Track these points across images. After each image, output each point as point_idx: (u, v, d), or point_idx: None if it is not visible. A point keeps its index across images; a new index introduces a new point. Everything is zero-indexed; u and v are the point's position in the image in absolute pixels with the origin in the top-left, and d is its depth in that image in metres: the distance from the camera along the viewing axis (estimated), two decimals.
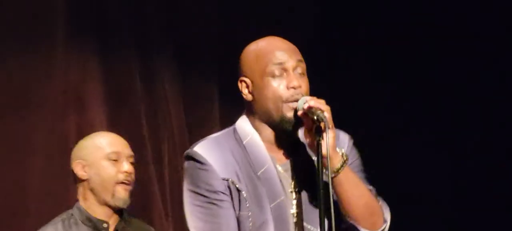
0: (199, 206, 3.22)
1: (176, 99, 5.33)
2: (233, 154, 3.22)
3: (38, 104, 5.23)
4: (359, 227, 3.22)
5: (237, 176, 3.20)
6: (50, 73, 5.23)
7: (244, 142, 3.23)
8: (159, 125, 4.96)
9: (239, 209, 3.19)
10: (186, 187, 3.23)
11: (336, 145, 3.16)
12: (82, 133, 4.97)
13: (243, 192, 3.17)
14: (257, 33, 3.39)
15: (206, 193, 3.19)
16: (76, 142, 4.71)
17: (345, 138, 3.33)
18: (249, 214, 3.18)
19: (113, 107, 5.34)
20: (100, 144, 4.37)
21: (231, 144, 3.24)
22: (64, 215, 4.39)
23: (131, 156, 4.29)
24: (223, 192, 3.19)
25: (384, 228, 3.28)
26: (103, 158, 4.32)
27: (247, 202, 3.20)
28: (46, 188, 5.16)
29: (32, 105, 5.21)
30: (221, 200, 3.19)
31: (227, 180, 3.18)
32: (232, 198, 3.19)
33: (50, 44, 5.30)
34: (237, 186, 3.17)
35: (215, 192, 3.19)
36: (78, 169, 4.22)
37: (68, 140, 5.12)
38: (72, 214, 4.35)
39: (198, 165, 3.19)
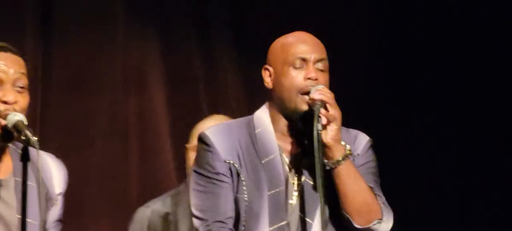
0: (201, 185, 3.46)
1: (236, 82, 5.49)
2: (240, 141, 3.45)
3: (101, 87, 5.45)
4: (353, 222, 3.36)
5: (240, 161, 3.43)
6: (110, 56, 5.46)
7: (256, 131, 3.46)
8: (217, 107, 5.08)
9: (237, 192, 3.41)
10: (193, 167, 3.51)
11: (352, 145, 3.39)
12: (143, 114, 5.39)
13: (242, 176, 3.40)
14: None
15: (208, 174, 3.43)
16: (136, 123, 5.29)
17: (363, 139, 3.50)
18: (246, 197, 3.39)
19: (172, 89, 5.56)
20: None
21: (241, 132, 3.48)
22: (172, 192, 4.63)
23: None
24: (224, 173, 3.41)
25: (377, 223, 3.41)
26: None
27: (245, 186, 3.41)
28: (107, 168, 5.39)
29: (94, 88, 5.44)
30: (221, 181, 3.41)
31: (229, 163, 3.40)
32: (232, 181, 3.43)
33: (110, 27, 5.53)
34: (238, 170, 3.41)
35: (216, 173, 3.41)
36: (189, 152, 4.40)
37: (128, 121, 5.41)
38: (180, 191, 4.56)
39: (205, 146, 3.44)
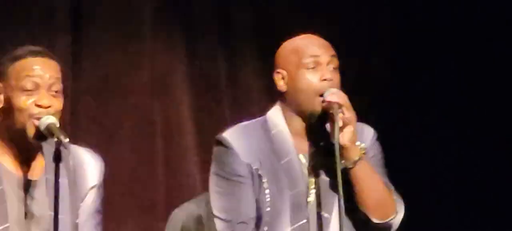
0: (222, 187, 3.60)
1: (259, 87, 5.62)
2: (259, 142, 3.58)
3: (129, 90, 5.63)
4: (370, 217, 3.53)
5: (260, 163, 3.55)
6: (139, 61, 5.62)
7: (272, 132, 3.59)
8: (240, 111, 5.25)
9: (259, 193, 3.54)
10: (212, 170, 3.62)
11: (359, 138, 3.51)
12: (168, 117, 5.55)
13: (264, 178, 3.54)
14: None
15: (229, 176, 3.56)
16: (162, 125, 5.49)
17: (369, 133, 3.67)
18: (268, 199, 3.54)
19: (197, 93, 5.70)
20: None
21: (258, 133, 3.61)
22: (207, 194, 4.82)
23: None
24: (245, 175, 3.54)
25: (393, 217, 3.59)
26: None
27: (267, 188, 3.55)
28: (133, 170, 5.54)
29: (123, 92, 5.61)
30: (242, 183, 3.54)
31: (249, 165, 3.53)
32: (253, 183, 3.56)
33: (138, 33, 5.69)
34: (259, 172, 3.54)
35: (237, 175, 3.54)
36: None
37: (154, 124, 5.57)
38: None
39: (224, 149, 3.56)
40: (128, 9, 5.74)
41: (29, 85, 3.33)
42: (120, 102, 5.56)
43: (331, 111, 3.46)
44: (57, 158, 3.21)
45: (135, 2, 5.80)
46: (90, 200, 3.57)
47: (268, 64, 4.57)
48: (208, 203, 4.42)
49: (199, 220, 4.55)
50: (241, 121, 4.30)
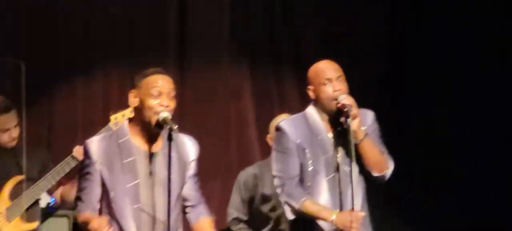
0: (278, 157, 4.30)
1: (296, 97, 6.40)
2: (302, 127, 4.30)
3: (211, 98, 6.50)
4: (372, 172, 4.28)
5: (303, 140, 4.27)
6: (218, 76, 6.52)
7: (309, 121, 4.30)
8: (286, 111, 5.58)
9: (303, 160, 4.25)
10: (273, 147, 4.38)
11: (362, 121, 4.24)
12: (239, 117, 6.46)
13: (306, 150, 4.26)
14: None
15: (283, 150, 4.28)
16: (235, 123, 6.30)
17: (370, 114, 4.40)
18: (309, 163, 4.24)
19: (257, 101, 6.60)
20: None
21: (301, 122, 4.32)
22: (261, 162, 5.52)
23: None
24: (293, 149, 4.25)
25: (386, 171, 4.30)
26: None
27: (309, 157, 4.26)
28: (218, 149, 6.32)
29: (209, 99, 6.48)
30: (292, 154, 4.26)
31: (295, 142, 4.26)
32: (298, 154, 4.24)
33: (221, 55, 6.55)
34: (302, 146, 4.26)
35: (288, 148, 4.25)
36: (268, 139, 5.21)
37: (229, 123, 6.49)
38: (265, 162, 5.13)
39: (280, 133, 4.31)
40: (215, 40, 6.48)
41: (155, 93, 3.73)
42: (208, 105, 6.37)
43: (345, 109, 4.11)
44: (169, 138, 3.65)
45: (215, 30, 6.50)
46: (192, 168, 3.99)
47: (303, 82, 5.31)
48: (264, 166, 5.25)
49: (254, 176, 5.45)
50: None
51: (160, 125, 3.70)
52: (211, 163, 6.04)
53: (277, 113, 5.47)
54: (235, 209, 5.41)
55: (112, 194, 3.73)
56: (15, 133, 5.09)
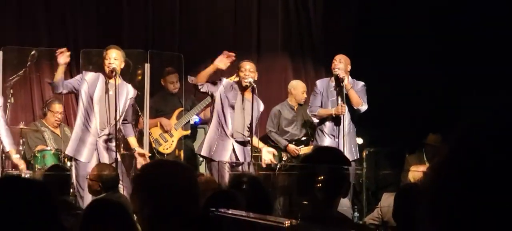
0: (311, 98, 9.16)
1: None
2: (324, 82, 8.93)
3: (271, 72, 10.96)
4: (353, 106, 8.71)
5: (322, 88, 8.84)
6: (275, 61, 10.94)
7: (328, 80, 8.99)
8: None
9: (322, 98, 8.88)
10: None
11: (354, 87, 8.73)
12: (285, 85, 10.51)
13: (324, 93, 8.81)
14: None
15: (315, 93, 9.06)
16: (284, 88, 10.49)
17: (360, 83, 8.82)
18: (323, 99, 8.87)
19: (295, 75, 10.96)
20: None
21: (325, 81, 8.97)
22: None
23: None
24: (319, 93, 8.88)
25: (360, 108, 8.68)
26: None
27: (323, 94, 8.84)
28: (271, 106, 10.17)
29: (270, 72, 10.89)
30: (318, 94, 8.96)
31: (319, 89, 8.93)
32: (322, 96, 8.82)
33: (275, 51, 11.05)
34: (321, 90, 8.85)
35: (318, 93, 8.94)
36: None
37: (280, 87, 10.83)
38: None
39: (315, 86, 9.17)
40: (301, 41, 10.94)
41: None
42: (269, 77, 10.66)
43: (341, 77, 8.50)
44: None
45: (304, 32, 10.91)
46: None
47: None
48: (283, 105, 9.55)
49: (279, 111, 9.74)
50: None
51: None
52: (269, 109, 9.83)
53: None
54: (269, 126, 9.70)
55: None
56: (177, 84, 9.78)
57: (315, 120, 8.87)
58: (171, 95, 9.80)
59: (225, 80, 8.38)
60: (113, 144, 7.89)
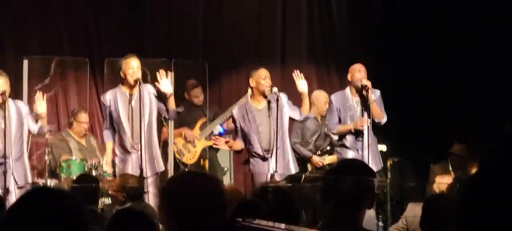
0: (328, 109, 9.15)
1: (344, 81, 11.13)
2: (339, 95, 8.74)
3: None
4: (374, 119, 8.47)
5: (340, 102, 8.65)
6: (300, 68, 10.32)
7: (345, 92, 8.73)
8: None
9: (339, 113, 8.75)
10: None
11: (374, 94, 8.52)
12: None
13: (340, 107, 8.61)
14: None
15: (332, 107, 8.88)
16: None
17: (377, 91, 8.61)
18: (342, 112, 8.69)
19: (319, 84, 11.02)
20: None
21: (341, 93, 8.78)
22: None
23: None
24: (334, 109, 8.76)
25: (381, 121, 8.50)
26: None
27: (341, 110, 8.67)
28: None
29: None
30: (334, 111, 8.78)
31: (335, 104, 8.70)
32: (339, 111, 8.67)
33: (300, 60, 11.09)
34: (338, 106, 8.66)
35: (335, 109, 8.78)
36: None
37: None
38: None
39: (330, 102, 9.03)
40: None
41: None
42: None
43: (367, 88, 8.25)
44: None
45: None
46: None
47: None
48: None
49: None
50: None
51: None
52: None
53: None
54: (294, 137, 9.51)
55: None
56: (201, 97, 9.85)
57: (335, 137, 8.83)
58: (195, 106, 9.87)
59: (235, 111, 8.37)
60: (153, 152, 7.97)
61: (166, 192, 3.21)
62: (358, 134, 8.37)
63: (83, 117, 9.71)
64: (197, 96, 9.83)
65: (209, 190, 3.09)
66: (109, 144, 8.30)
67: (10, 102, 8.03)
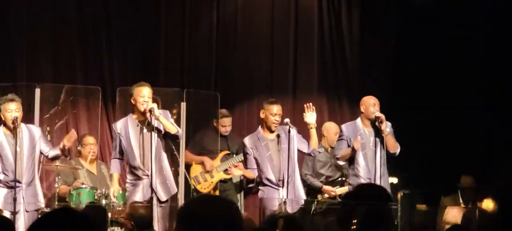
0: (338, 141, 9.08)
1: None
2: (349, 127, 8.75)
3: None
4: (389, 151, 8.60)
5: (351, 135, 8.66)
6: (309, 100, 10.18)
7: (356, 123, 8.79)
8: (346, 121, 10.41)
9: (348, 145, 8.70)
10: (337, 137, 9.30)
11: (386, 126, 8.60)
12: (320, 123, 10.34)
13: (351, 139, 8.66)
14: None
15: (340, 138, 8.89)
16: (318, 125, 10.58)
17: (389, 124, 8.67)
18: (352, 144, 8.65)
19: (330, 116, 10.99)
20: None
21: (352, 125, 8.82)
22: None
23: None
24: (346, 139, 8.73)
25: (396, 152, 8.64)
26: None
27: (351, 141, 8.66)
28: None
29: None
30: (345, 140, 8.74)
31: (347, 136, 8.73)
32: (348, 142, 8.68)
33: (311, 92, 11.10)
34: (349, 137, 8.69)
35: (343, 139, 8.79)
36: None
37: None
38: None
39: (340, 131, 9.06)
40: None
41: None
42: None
43: (380, 120, 8.35)
44: None
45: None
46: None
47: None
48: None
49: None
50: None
51: None
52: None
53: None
54: (305, 169, 9.58)
55: None
56: (229, 128, 9.85)
57: (341, 163, 8.88)
58: (221, 136, 9.84)
59: (247, 141, 8.52)
60: (165, 175, 8.02)
61: (183, 215, 3.18)
62: (372, 165, 8.40)
63: (90, 139, 9.68)
64: (225, 126, 9.83)
65: (229, 215, 3.08)
66: (115, 175, 8.35)
67: (23, 126, 8.11)
